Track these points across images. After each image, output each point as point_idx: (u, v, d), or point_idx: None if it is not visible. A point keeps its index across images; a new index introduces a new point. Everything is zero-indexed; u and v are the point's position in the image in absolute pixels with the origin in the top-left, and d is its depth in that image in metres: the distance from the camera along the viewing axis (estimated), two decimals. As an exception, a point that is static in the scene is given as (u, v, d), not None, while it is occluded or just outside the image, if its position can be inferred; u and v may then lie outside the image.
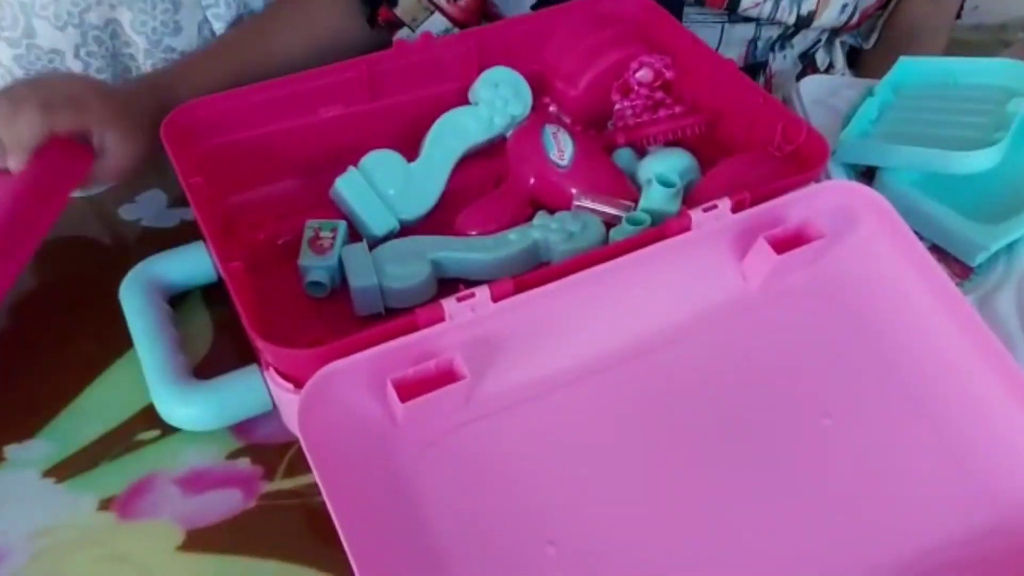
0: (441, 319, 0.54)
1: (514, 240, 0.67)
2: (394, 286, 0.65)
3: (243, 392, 0.61)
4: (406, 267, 0.66)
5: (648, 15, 0.80)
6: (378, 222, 0.70)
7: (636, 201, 0.69)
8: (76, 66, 0.87)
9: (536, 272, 0.57)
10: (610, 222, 0.68)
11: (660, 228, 0.60)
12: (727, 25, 0.93)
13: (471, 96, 0.77)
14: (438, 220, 0.73)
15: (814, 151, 0.66)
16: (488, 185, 0.75)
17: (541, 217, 0.69)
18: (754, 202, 0.62)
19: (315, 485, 0.50)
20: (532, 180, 0.72)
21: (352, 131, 0.75)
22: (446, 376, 0.53)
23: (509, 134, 0.76)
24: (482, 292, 0.55)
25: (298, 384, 0.56)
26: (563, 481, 0.55)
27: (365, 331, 0.53)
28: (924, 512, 0.56)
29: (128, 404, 0.64)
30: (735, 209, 0.61)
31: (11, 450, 0.62)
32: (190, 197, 0.64)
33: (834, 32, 1.02)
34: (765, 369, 0.60)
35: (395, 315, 0.65)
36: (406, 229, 0.71)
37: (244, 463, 0.61)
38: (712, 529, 0.54)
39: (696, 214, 0.60)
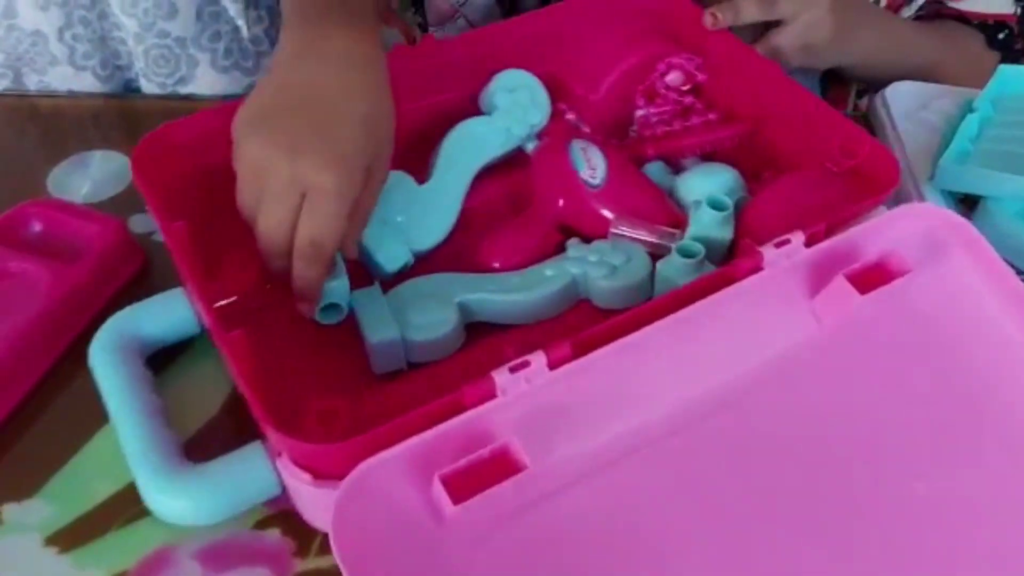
0: (492, 395, 0.46)
1: (550, 277, 0.59)
2: (418, 339, 0.56)
3: (247, 477, 0.51)
4: (430, 314, 0.57)
5: (676, 8, 0.72)
6: (390, 257, 0.61)
7: (680, 223, 0.61)
8: (60, 50, 0.78)
9: (594, 330, 0.49)
10: (655, 252, 0.60)
11: (727, 268, 0.53)
12: None
13: (484, 104, 0.68)
14: (454, 248, 0.64)
15: (881, 167, 0.59)
16: (508, 204, 0.67)
17: (576, 248, 0.61)
18: (826, 232, 0.55)
19: None
20: (561, 202, 0.64)
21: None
22: (502, 465, 0.44)
23: (531, 149, 0.67)
24: (537, 360, 0.47)
25: (317, 475, 0.47)
26: (634, 561, 0.47)
27: (402, 417, 0.45)
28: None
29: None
30: (809, 243, 0.53)
31: (9, 511, 0.54)
32: (169, 242, 0.54)
33: None
34: (846, 425, 0.53)
35: (418, 370, 0.57)
36: (419, 260, 0.63)
37: (274, 535, 0.52)
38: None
39: (768, 251, 0.52)
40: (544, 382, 0.47)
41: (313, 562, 0.51)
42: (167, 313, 0.58)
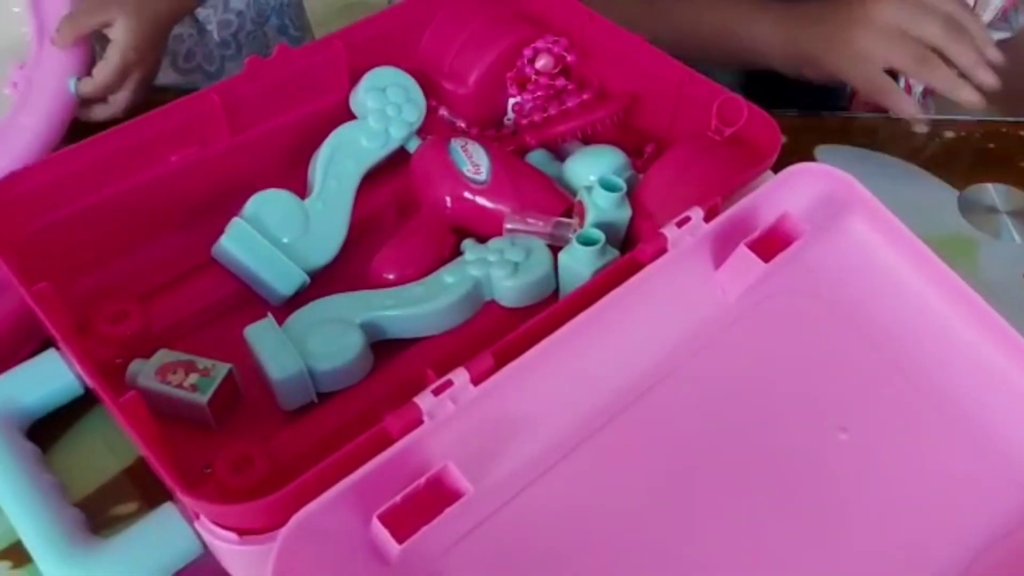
0: (419, 421, 0.44)
1: (452, 283, 0.57)
2: (324, 367, 0.53)
3: (163, 542, 0.47)
4: (333, 341, 0.54)
5: (534, -9, 0.70)
6: (284, 279, 0.58)
7: (573, 210, 0.60)
8: None
9: (512, 337, 0.47)
10: (553, 243, 0.59)
11: (634, 253, 0.52)
12: None
13: (355, 108, 0.65)
14: (347, 262, 0.61)
15: (762, 132, 0.59)
16: (397, 209, 0.64)
17: (473, 249, 0.59)
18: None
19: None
20: (449, 203, 0.62)
21: (216, 174, 0.62)
22: (442, 493, 0.42)
23: (412, 150, 0.65)
24: (460, 377, 0.45)
25: (241, 532, 0.44)
26: (593, 555, 0.47)
27: (327, 459, 0.42)
28: (961, 512, 0.52)
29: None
30: (708, 217, 0.53)
31: None
32: (35, 305, 0.49)
33: None
34: (768, 387, 0.53)
35: (330, 400, 0.54)
36: (313, 280, 0.59)
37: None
38: (744, 561, 0.48)
39: (671, 231, 0.52)
40: (470, 399, 0.45)
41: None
42: (45, 378, 0.53)
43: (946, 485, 0.52)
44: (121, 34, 0.65)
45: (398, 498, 0.41)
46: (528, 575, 0.45)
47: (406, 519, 0.41)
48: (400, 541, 0.40)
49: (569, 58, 0.68)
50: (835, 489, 0.51)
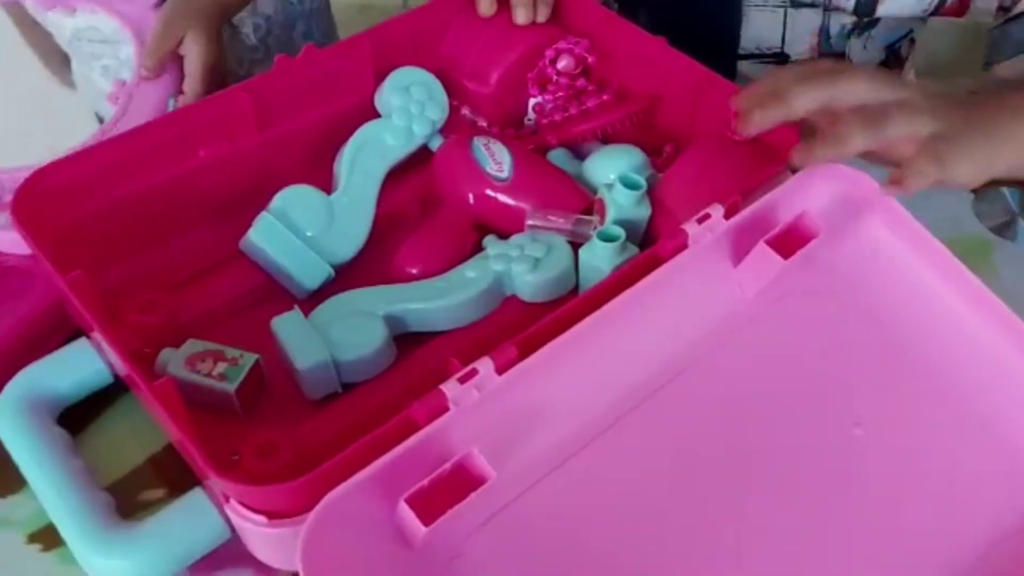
0: (444, 409, 0.45)
1: (474, 278, 0.58)
2: (348, 358, 0.54)
3: (193, 527, 0.48)
4: (357, 332, 0.55)
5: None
6: (309, 272, 0.59)
7: (593, 207, 0.61)
8: None
9: (536, 328, 0.48)
10: (573, 239, 0.60)
11: (655, 249, 0.53)
12: (790, 10, 0.82)
13: (379, 106, 0.66)
14: (371, 257, 0.62)
15: (779, 131, 0.60)
16: (420, 206, 0.65)
17: (494, 244, 0.60)
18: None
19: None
20: (472, 200, 0.63)
21: (245, 170, 0.63)
22: (467, 478, 0.43)
23: (435, 148, 0.66)
24: (485, 366, 0.46)
25: (271, 515, 0.45)
26: (607, 539, 0.48)
27: (356, 444, 0.43)
28: (973, 509, 0.52)
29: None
30: (727, 215, 0.54)
31: None
32: (69, 293, 0.50)
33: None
34: (784, 382, 0.54)
35: (354, 390, 0.55)
36: (337, 274, 0.61)
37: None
38: (761, 551, 0.49)
39: (691, 228, 0.53)
40: (495, 388, 0.46)
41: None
42: (76, 366, 0.55)
43: (959, 481, 0.53)
44: (193, 48, 0.69)
45: (425, 482, 0.42)
46: (547, 560, 0.46)
47: (432, 503, 0.42)
48: (426, 524, 0.41)
49: (590, 59, 0.69)
50: (849, 483, 0.52)
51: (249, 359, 0.54)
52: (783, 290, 0.56)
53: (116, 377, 0.56)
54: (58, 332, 0.59)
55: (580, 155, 0.68)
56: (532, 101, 0.72)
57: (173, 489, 0.55)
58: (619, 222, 0.59)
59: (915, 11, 0.79)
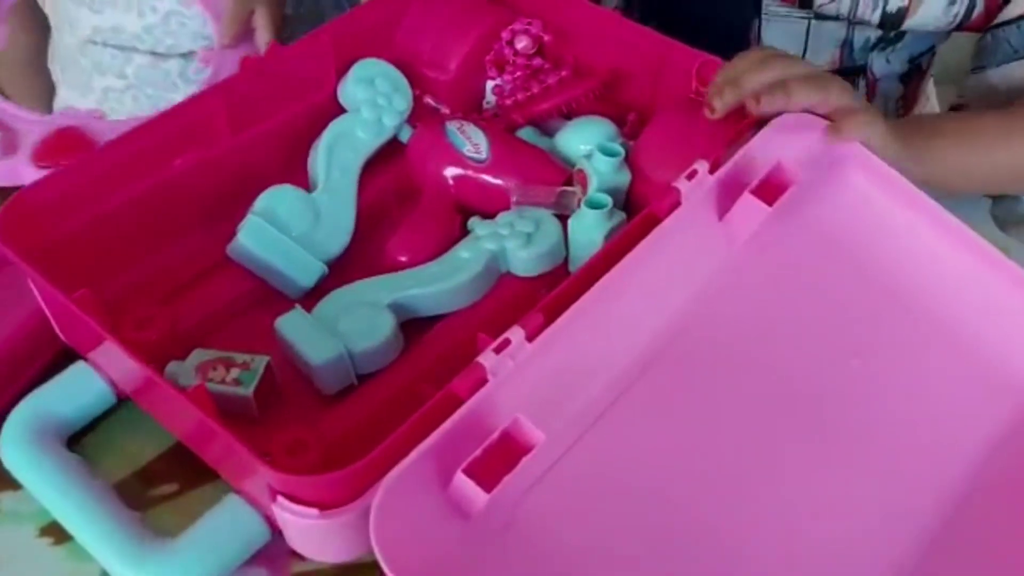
0: (484, 381, 0.46)
1: (469, 258, 0.59)
2: (361, 348, 0.54)
3: (234, 534, 0.48)
4: (365, 322, 0.55)
5: (504, -26, 0.72)
6: (303, 271, 0.59)
7: (571, 177, 0.63)
8: None
9: (557, 293, 0.49)
10: (558, 212, 0.61)
11: (650, 209, 0.55)
12: (814, 22, 0.80)
13: (344, 100, 0.66)
14: (359, 249, 0.62)
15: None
16: (398, 195, 0.66)
17: (482, 225, 0.61)
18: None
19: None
20: (452, 184, 0.63)
21: (222, 174, 0.62)
22: (516, 444, 0.44)
23: (405, 138, 0.66)
24: (516, 335, 0.47)
25: (323, 507, 0.45)
26: (644, 483, 0.50)
27: (403, 426, 0.44)
28: (966, 419, 0.56)
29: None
30: (712, 169, 0.57)
31: (5, 500, 0.53)
32: (78, 313, 0.49)
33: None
34: (784, 322, 0.57)
35: (369, 381, 0.55)
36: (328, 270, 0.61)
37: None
38: (781, 477, 0.52)
39: (682, 185, 0.55)
40: (527, 355, 0.47)
41: (311, 563, 0.50)
42: (81, 391, 0.53)
43: (951, 397, 0.57)
44: (262, 22, 0.78)
45: (478, 452, 0.43)
46: (592, 512, 0.48)
47: (488, 471, 0.43)
48: (487, 491, 0.42)
49: (546, 38, 0.71)
50: (853, 410, 0.55)
51: (260, 361, 0.53)
52: (767, 238, 0.58)
53: (119, 397, 0.55)
54: (46, 350, 0.58)
55: (547, 132, 0.69)
56: (491, 84, 0.73)
57: (189, 501, 0.54)
58: (602, 190, 0.60)
59: (940, 24, 0.78)
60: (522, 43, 0.70)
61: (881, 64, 0.86)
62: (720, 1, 0.73)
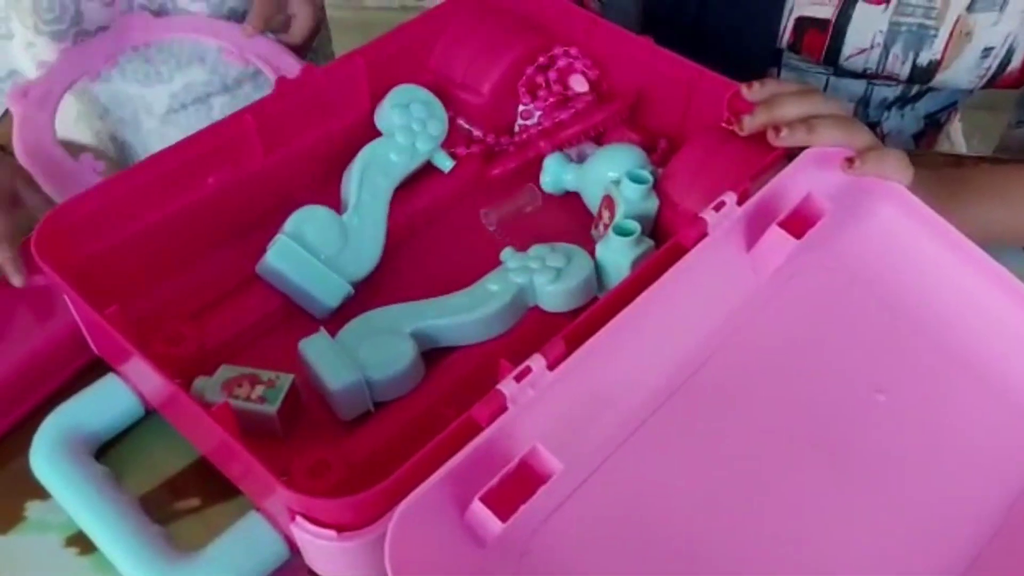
0: (504, 408, 0.46)
1: (497, 291, 0.59)
2: (379, 377, 0.55)
3: (254, 551, 0.48)
4: (386, 350, 0.55)
5: (537, 2, 0.73)
6: (329, 291, 0.60)
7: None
8: None
9: (579, 323, 0.50)
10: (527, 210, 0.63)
11: (678, 238, 0.55)
12: (832, 79, 0.80)
13: (380, 124, 0.67)
14: (386, 272, 0.63)
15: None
16: (426, 217, 0.67)
17: (514, 257, 0.60)
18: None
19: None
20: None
21: (253, 194, 0.63)
22: (534, 472, 0.44)
23: (438, 162, 0.67)
24: (537, 363, 0.47)
25: (341, 529, 0.45)
26: (662, 514, 0.50)
27: (423, 450, 0.44)
28: (995, 464, 0.55)
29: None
30: (740, 201, 0.56)
31: (33, 509, 0.54)
32: (110, 329, 0.50)
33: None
34: (808, 355, 0.57)
35: (387, 407, 0.56)
36: (356, 291, 0.61)
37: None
38: (801, 513, 0.52)
39: (709, 216, 0.55)
40: (548, 383, 0.47)
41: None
42: (110, 403, 0.54)
43: (978, 439, 0.56)
44: (303, 9, 0.79)
45: (495, 480, 0.43)
46: (609, 542, 0.48)
47: (504, 500, 0.43)
48: (503, 520, 0.42)
49: (591, 74, 0.71)
50: (878, 445, 0.55)
51: (286, 380, 0.54)
52: (794, 269, 0.58)
53: (147, 410, 0.56)
54: (75, 359, 0.59)
55: (576, 158, 0.70)
56: (521, 108, 0.73)
57: (212, 517, 0.55)
58: (630, 216, 0.60)
59: (972, 79, 0.77)
60: (581, 86, 0.70)
61: (895, 122, 0.85)
62: (736, 52, 0.73)
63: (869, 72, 0.77)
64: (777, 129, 0.59)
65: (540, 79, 0.72)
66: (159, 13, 0.80)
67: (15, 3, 0.76)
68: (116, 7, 0.78)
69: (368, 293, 0.62)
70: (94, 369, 0.58)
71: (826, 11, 0.76)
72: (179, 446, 0.55)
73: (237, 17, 0.82)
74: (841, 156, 0.59)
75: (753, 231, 0.57)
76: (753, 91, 0.62)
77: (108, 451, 0.56)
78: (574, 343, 0.48)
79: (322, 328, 0.57)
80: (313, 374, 0.55)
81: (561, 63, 0.71)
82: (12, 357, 0.57)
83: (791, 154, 0.61)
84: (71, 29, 0.77)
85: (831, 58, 0.77)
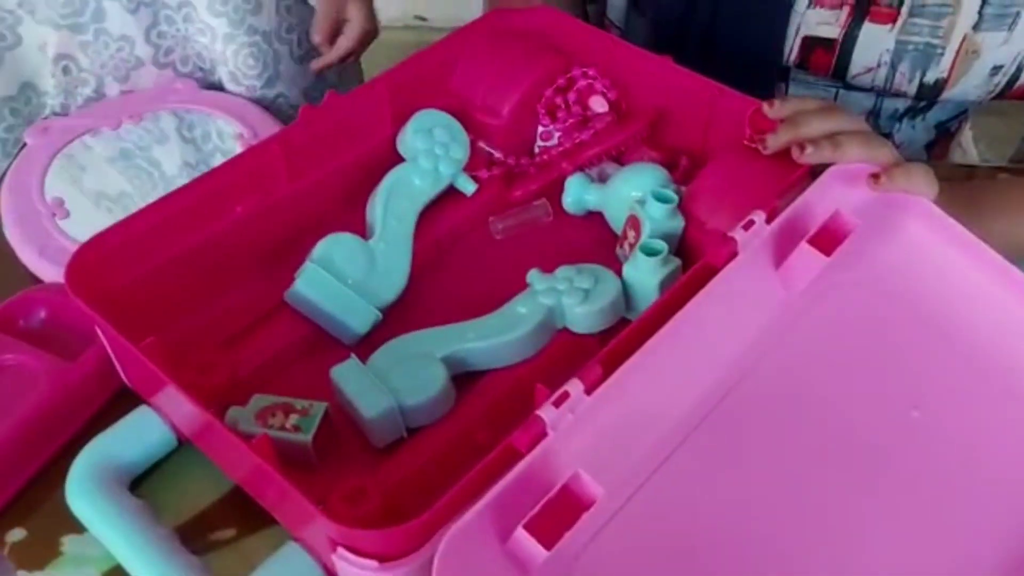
0: (544, 434, 0.46)
1: (526, 313, 0.58)
2: (412, 402, 0.54)
3: (294, 582, 0.48)
4: (417, 376, 0.55)
5: (555, 25, 0.73)
6: (357, 317, 0.60)
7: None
8: (146, 51, 0.82)
9: (614, 345, 0.50)
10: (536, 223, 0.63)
11: (708, 258, 0.55)
12: (841, 91, 0.80)
13: (404, 148, 0.67)
14: (413, 296, 0.63)
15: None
16: (452, 238, 0.67)
17: (541, 279, 0.60)
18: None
19: None
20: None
21: (279, 221, 0.63)
22: (577, 498, 0.44)
23: (461, 186, 0.67)
24: (574, 388, 0.47)
25: (383, 558, 0.45)
26: (702, 533, 0.50)
27: (464, 478, 0.44)
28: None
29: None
30: (768, 220, 0.56)
31: (69, 543, 0.53)
32: (146, 360, 0.50)
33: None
34: (841, 371, 0.57)
35: (420, 433, 0.56)
36: (384, 316, 0.61)
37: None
38: (839, 531, 0.52)
39: (739, 235, 0.55)
40: (587, 407, 0.47)
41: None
42: (144, 435, 0.54)
43: (1013, 452, 0.56)
44: (356, 15, 0.85)
45: (538, 508, 0.43)
46: (651, 564, 0.48)
47: (547, 527, 0.43)
48: (548, 547, 0.42)
49: (611, 96, 0.71)
50: (913, 462, 0.55)
51: (319, 408, 0.54)
52: (824, 286, 0.58)
53: (180, 441, 0.56)
54: (104, 392, 0.60)
55: (598, 178, 0.70)
56: (541, 129, 0.73)
57: (246, 549, 0.55)
58: (655, 236, 0.61)
59: (980, 95, 0.78)
60: (600, 107, 0.70)
61: (907, 132, 0.85)
62: (743, 70, 0.73)
63: (877, 88, 0.78)
64: (802, 146, 0.59)
65: (559, 100, 0.72)
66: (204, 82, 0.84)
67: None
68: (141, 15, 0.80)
69: (396, 317, 0.62)
70: (122, 399, 0.58)
71: (832, 30, 0.76)
72: (212, 476, 0.55)
73: (267, 102, 0.86)
74: (866, 172, 0.60)
75: (782, 249, 0.57)
76: (775, 109, 0.62)
77: (142, 483, 0.56)
78: (610, 366, 0.48)
79: (353, 354, 0.57)
80: (346, 401, 0.55)
81: (580, 84, 0.71)
82: (38, 396, 0.57)
83: (815, 171, 0.61)
84: (91, 24, 0.78)
85: (838, 75, 0.78)
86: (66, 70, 0.81)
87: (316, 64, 0.85)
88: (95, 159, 0.76)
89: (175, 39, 0.82)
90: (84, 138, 0.76)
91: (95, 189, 0.75)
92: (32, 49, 0.80)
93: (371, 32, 0.87)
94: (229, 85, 0.85)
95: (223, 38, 0.81)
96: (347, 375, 0.56)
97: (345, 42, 0.85)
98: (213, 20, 0.81)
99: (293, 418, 0.54)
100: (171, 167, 0.77)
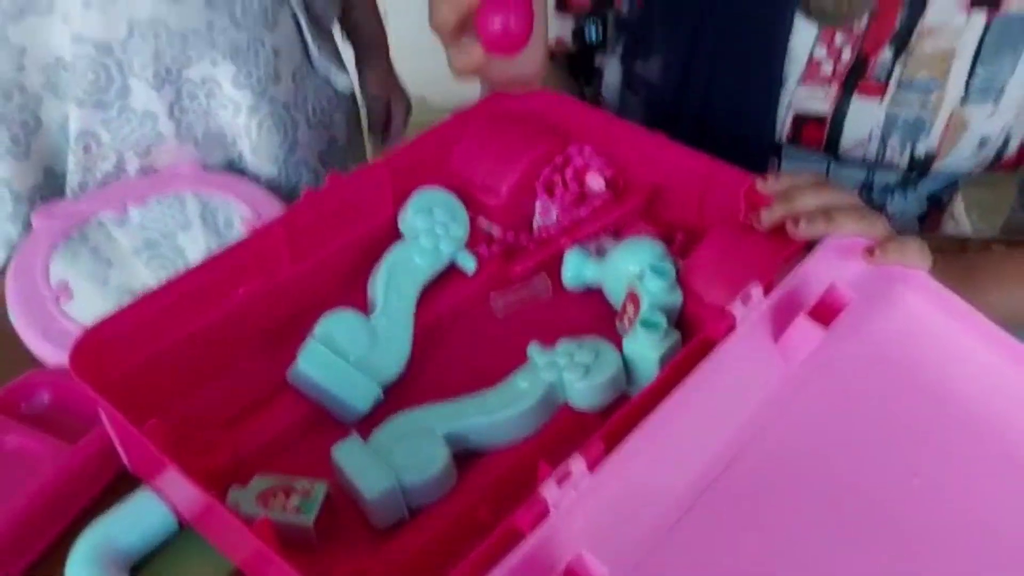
0: (546, 513, 0.46)
1: (527, 388, 0.59)
2: (413, 481, 0.54)
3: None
4: (419, 453, 0.55)
5: (553, 106, 0.75)
6: (360, 395, 0.60)
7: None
8: (168, 127, 0.81)
9: (615, 420, 0.50)
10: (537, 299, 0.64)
11: (707, 332, 0.55)
12: (834, 165, 0.82)
13: (404, 228, 0.68)
14: (414, 373, 0.63)
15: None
16: (453, 316, 0.67)
17: (541, 353, 0.61)
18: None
19: None
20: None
21: (281, 302, 0.64)
22: (581, 579, 0.44)
23: (461, 263, 0.68)
24: (576, 465, 0.47)
25: (386, 643, 0.44)
26: None
27: (465, 560, 0.44)
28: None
29: None
30: (766, 292, 0.57)
31: None
32: (149, 443, 0.50)
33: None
34: (841, 442, 0.57)
35: (423, 513, 0.55)
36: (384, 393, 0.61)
37: None
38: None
39: (737, 309, 0.56)
40: (590, 485, 0.47)
41: None
42: (145, 518, 0.54)
43: (1012, 518, 0.55)
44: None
45: (542, 589, 0.43)
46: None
47: (552, 611, 0.43)
48: (553, 632, 0.42)
49: (608, 173, 0.73)
50: (916, 530, 0.54)
51: (320, 489, 0.54)
52: (822, 358, 0.58)
53: (181, 525, 0.56)
54: (105, 473, 0.60)
55: (596, 252, 0.71)
56: (539, 206, 0.74)
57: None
58: (654, 309, 0.61)
59: (970, 167, 0.79)
60: (598, 184, 0.72)
61: (899, 205, 0.86)
62: (736, 147, 0.75)
63: (868, 161, 0.79)
64: (796, 221, 0.60)
65: (557, 177, 0.73)
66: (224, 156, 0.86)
67: None
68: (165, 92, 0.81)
69: (397, 393, 0.62)
70: (122, 479, 0.58)
71: (823, 105, 0.78)
72: (212, 560, 0.55)
73: (289, 169, 0.89)
74: (860, 245, 0.60)
75: (779, 322, 0.57)
76: (769, 184, 0.63)
77: (142, 567, 0.55)
78: (612, 443, 0.48)
79: (354, 431, 0.57)
80: (347, 481, 0.55)
81: (577, 162, 0.73)
82: (40, 480, 0.57)
83: (810, 244, 0.62)
84: (116, 101, 0.80)
85: (830, 149, 0.79)
86: (87, 149, 0.82)
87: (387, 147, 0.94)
88: (102, 238, 0.78)
89: (196, 114, 0.83)
90: (95, 219, 0.78)
91: (100, 271, 0.76)
92: (52, 129, 0.81)
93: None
94: (250, 157, 0.86)
95: (247, 111, 0.83)
96: (348, 453, 0.56)
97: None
98: (237, 93, 0.82)
99: (294, 499, 0.53)
100: (193, 254, 0.79)
